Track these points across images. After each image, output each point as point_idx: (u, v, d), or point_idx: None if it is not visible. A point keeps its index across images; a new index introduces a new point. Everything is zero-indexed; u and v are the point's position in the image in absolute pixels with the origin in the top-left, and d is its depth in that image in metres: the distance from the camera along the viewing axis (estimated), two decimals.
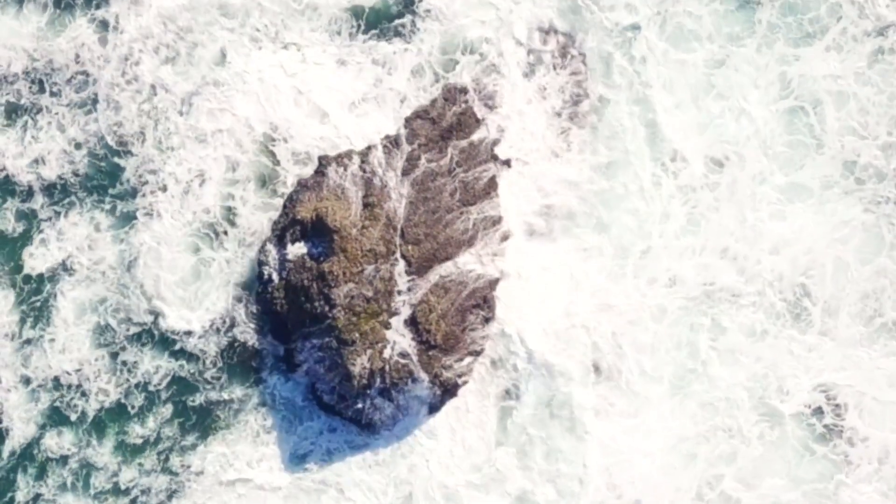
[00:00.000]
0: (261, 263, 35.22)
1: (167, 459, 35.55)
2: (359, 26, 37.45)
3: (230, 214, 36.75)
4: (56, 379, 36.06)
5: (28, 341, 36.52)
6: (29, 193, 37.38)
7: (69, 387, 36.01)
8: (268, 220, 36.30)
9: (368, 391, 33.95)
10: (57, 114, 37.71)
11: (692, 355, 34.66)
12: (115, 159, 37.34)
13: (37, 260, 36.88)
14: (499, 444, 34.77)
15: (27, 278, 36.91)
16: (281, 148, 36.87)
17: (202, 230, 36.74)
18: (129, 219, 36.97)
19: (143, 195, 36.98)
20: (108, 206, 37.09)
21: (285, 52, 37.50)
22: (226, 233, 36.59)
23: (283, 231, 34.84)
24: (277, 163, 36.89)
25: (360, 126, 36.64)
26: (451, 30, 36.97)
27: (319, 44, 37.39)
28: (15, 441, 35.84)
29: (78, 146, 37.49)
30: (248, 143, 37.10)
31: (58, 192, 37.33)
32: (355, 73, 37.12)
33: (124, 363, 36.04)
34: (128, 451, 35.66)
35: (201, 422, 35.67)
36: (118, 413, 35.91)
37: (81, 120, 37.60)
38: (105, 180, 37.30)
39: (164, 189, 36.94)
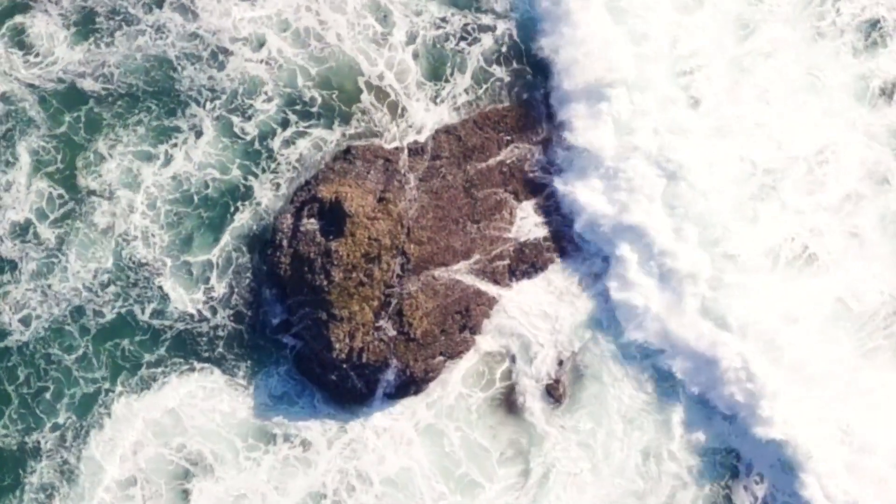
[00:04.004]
0: (275, 230, 38.36)
1: (140, 382, 38.13)
2: None
3: (274, 144, 39.86)
4: (68, 297, 38.65)
5: (56, 249, 39.11)
6: (97, 102, 40.25)
7: (77, 305, 38.58)
8: (317, 156, 39.48)
9: (344, 365, 36.96)
10: (122, 29, 40.82)
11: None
12: (172, 78, 40.40)
13: (88, 175, 39.61)
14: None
15: (76, 188, 39.62)
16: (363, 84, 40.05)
17: (241, 157, 39.69)
18: (171, 135, 39.95)
19: (190, 114, 39.96)
20: (152, 126, 40.08)
21: None
22: (267, 164, 39.57)
23: (303, 204, 38.07)
24: (352, 99, 40.06)
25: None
26: None
27: None
28: (18, 337, 38.35)
29: (140, 61, 40.53)
30: (315, 70, 40.35)
31: (118, 106, 40.24)
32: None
33: (130, 295, 38.72)
34: (113, 368, 38.17)
35: (185, 355, 38.28)
36: (114, 334, 38.51)
37: (146, 37, 40.71)
38: (162, 98, 40.33)
39: (212, 112, 40.04)
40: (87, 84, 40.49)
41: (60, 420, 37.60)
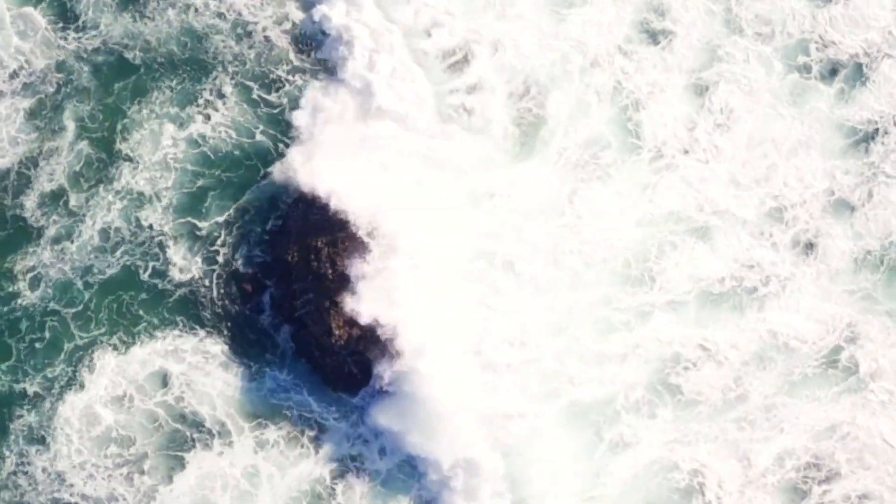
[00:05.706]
0: (286, 217, 40.12)
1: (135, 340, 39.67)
2: None
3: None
4: (78, 256, 40.20)
5: (82, 214, 40.58)
6: (146, 70, 41.81)
7: (86, 265, 40.15)
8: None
9: (342, 351, 38.70)
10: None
11: None
12: (201, 48, 41.92)
13: (123, 141, 41.12)
14: None
15: (113, 152, 41.17)
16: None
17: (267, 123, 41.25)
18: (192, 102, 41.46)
19: (213, 79, 41.56)
20: (180, 91, 41.59)
21: None
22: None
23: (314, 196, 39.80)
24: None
25: None
26: None
27: None
28: (26, 295, 39.93)
29: (173, 33, 41.92)
30: None
31: (156, 75, 41.79)
32: None
33: (142, 253, 40.37)
34: (110, 324, 39.79)
35: (186, 320, 39.82)
36: (116, 288, 40.09)
37: (176, 10, 42.11)
38: (192, 66, 41.82)
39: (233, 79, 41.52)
40: (132, 55, 41.70)
41: (51, 373, 38.87)
